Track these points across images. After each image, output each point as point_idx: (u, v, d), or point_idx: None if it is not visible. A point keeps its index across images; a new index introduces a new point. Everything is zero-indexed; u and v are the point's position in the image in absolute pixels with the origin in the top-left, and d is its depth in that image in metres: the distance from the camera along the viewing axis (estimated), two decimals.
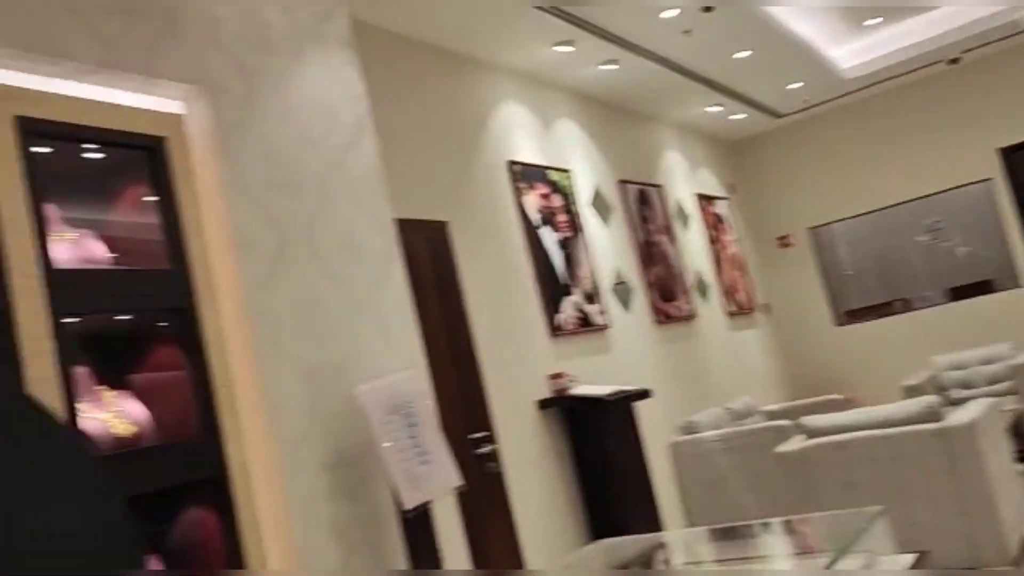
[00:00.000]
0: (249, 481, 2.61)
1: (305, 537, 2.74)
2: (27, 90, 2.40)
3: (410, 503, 2.84)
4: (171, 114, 2.79)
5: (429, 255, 4.74)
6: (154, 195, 2.70)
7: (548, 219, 5.85)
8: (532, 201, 5.75)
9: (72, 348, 2.36)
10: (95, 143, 2.65)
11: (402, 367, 3.26)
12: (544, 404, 5.24)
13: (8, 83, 2.35)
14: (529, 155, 5.92)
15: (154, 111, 2.75)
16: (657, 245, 7.30)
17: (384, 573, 2.55)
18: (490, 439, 4.73)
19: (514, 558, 4.63)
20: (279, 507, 2.69)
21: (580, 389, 5.36)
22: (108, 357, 2.66)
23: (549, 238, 5.81)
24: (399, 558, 3.00)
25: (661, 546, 3.91)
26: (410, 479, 2.87)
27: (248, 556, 2.54)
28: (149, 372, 2.71)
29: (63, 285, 2.35)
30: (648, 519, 5.25)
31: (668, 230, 7.59)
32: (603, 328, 6.14)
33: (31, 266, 2.27)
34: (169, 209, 2.69)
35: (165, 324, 2.70)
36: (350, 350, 3.13)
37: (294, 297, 2.98)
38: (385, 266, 3.41)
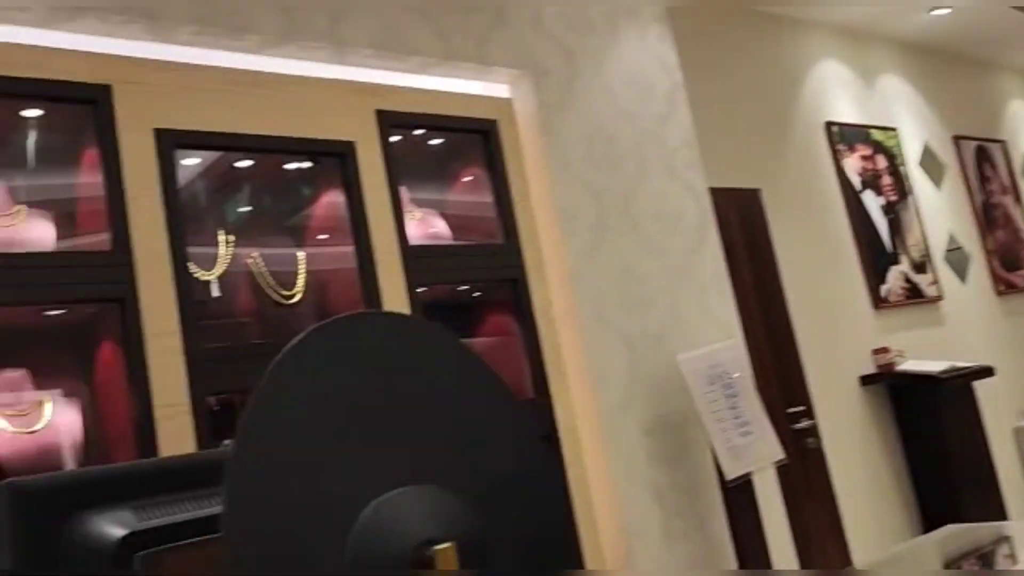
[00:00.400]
0: (578, 442, 2.76)
1: (628, 499, 2.84)
2: (383, 85, 2.70)
3: (731, 473, 2.84)
4: (501, 98, 2.99)
5: (741, 224, 4.64)
6: (487, 175, 2.93)
7: (871, 183, 5.47)
8: (853, 164, 5.41)
9: (423, 316, 2.64)
10: (437, 129, 2.92)
11: (719, 337, 3.25)
12: (867, 380, 4.94)
13: (370, 80, 2.66)
14: (849, 115, 5.56)
15: (486, 96, 2.97)
16: (1000, 207, 6.54)
17: (720, 573, 2.57)
18: (808, 414, 4.56)
19: (837, 539, 4.44)
20: (605, 469, 2.82)
21: (908, 365, 4.97)
22: (450, 324, 2.94)
23: (872, 203, 5.43)
24: (721, 527, 3.01)
25: (1006, 538, 3.55)
26: (731, 449, 2.87)
27: (578, 515, 2.69)
28: (485, 337, 2.96)
29: (415, 259, 2.63)
30: (990, 509, 4.77)
31: (1014, 190, 6.76)
32: (935, 299, 5.63)
33: (391, 243, 2.57)
34: (500, 187, 2.90)
35: (498, 293, 2.93)
36: (667, 319, 3.18)
37: (614, 267, 3.08)
38: (700, 235, 3.41)
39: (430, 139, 3.05)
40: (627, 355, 3.02)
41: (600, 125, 3.20)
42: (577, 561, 0.61)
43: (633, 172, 3.25)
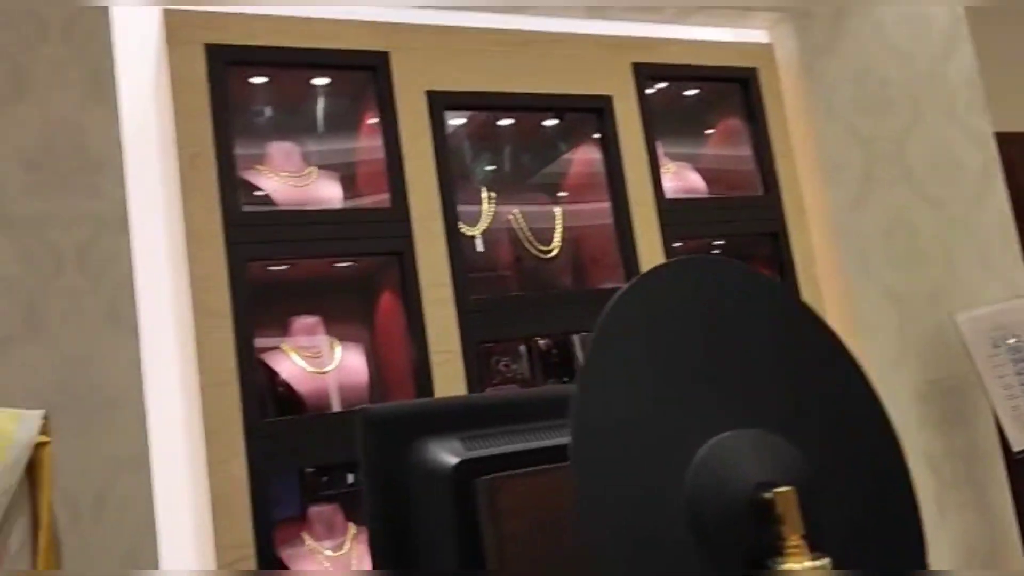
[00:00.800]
0: None
1: None
2: (639, 38, 2.68)
3: (1020, 444, 2.59)
4: (761, 44, 2.87)
5: None
6: (745, 125, 2.83)
7: None
8: None
9: None
10: (694, 80, 2.86)
11: (1003, 296, 2.96)
12: None
13: (626, 33, 2.65)
14: None
15: (744, 43, 2.86)
16: None
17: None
18: None
19: None
20: None
21: None
22: None
23: None
24: (1004, 502, 2.77)
25: None
26: (1020, 418, 2.61)
27: None
28: None
29: (671, 213, 2.61)
30: None
31: None
32: None
33: (647, 197, 2.57)
34: (760, 137, 2.79)
35: (757, 247, 2.84)
36: (943, 275, 2.93)
37: (882, 219, 2.88)
38: (983, 185, 3.10)
39: (684, 90, 2.99)
40: (896, 313, 2.83)
41: (869, 67, 2.98)
42: (915, 511, 0.58)
43: (906, 116, 3.01)
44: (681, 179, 2.81)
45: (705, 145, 3.02)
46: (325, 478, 2.33)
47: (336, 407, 2.21)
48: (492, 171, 2.82)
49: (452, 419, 0.76)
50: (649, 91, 2.67)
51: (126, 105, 2.09)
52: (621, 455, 0.51)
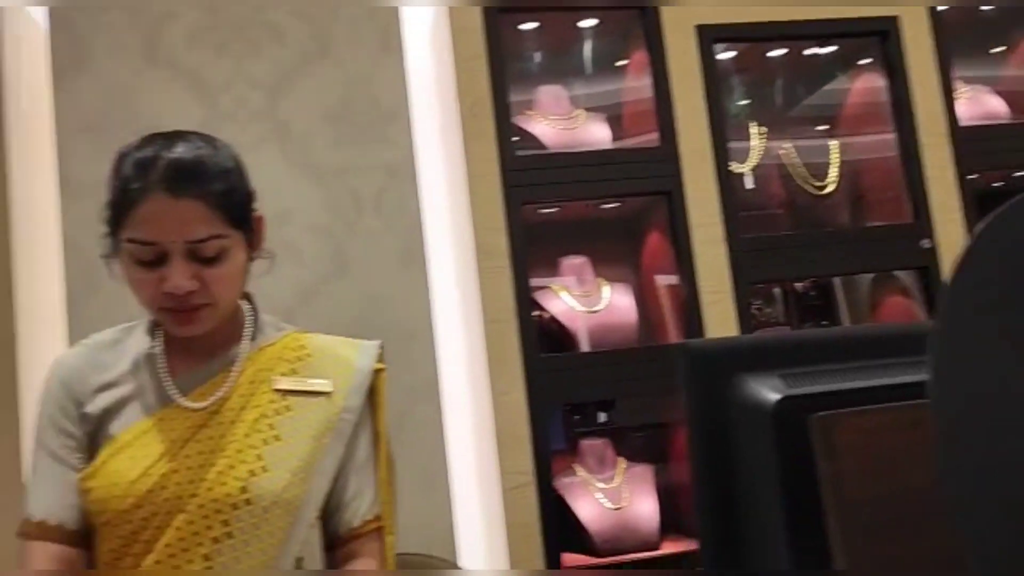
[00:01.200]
0: None
1: None
2: None
3: None
4: None
5: None
6: None
7: None
8: None
9: (974, 204, 2.38)
10: None
11: None
12: None
13: None
14: None
15: None
16: None
17: None
18: None
19: None
20: None
21: None
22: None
23: None
24: None
25: None
26: None
27: None
28: None
29: (966, 143, 2.37)
30: None
31: None
32: None
33: (939, 125, 2.35)
34: None
35: None
36: None
37: None
38: None
39: (983, 4, 2.68)
40: None
41: None
42: None
43: None
44: (978, 104, 2.55)
45: (1006, 65, 2.71)
46: (578, 416, 2.39)
47: (602, 347, 2.26)
48: (762, 105, 2.71)
49: (771, 356, 0.75)
50: (942, 8, 2.43)
51: (410, 59, 2.23)
52: (986, 400, 0.48)
